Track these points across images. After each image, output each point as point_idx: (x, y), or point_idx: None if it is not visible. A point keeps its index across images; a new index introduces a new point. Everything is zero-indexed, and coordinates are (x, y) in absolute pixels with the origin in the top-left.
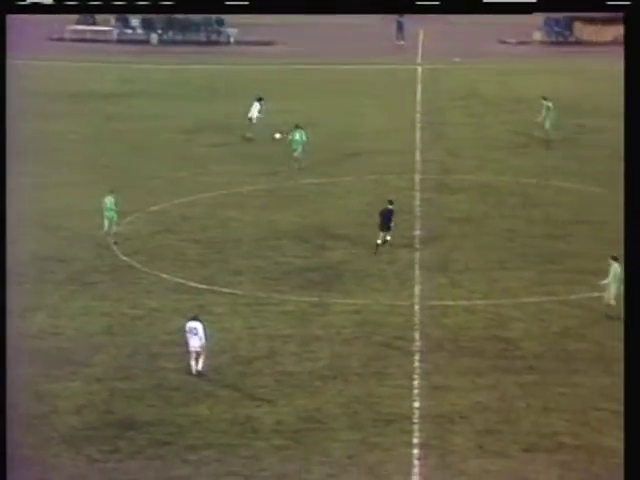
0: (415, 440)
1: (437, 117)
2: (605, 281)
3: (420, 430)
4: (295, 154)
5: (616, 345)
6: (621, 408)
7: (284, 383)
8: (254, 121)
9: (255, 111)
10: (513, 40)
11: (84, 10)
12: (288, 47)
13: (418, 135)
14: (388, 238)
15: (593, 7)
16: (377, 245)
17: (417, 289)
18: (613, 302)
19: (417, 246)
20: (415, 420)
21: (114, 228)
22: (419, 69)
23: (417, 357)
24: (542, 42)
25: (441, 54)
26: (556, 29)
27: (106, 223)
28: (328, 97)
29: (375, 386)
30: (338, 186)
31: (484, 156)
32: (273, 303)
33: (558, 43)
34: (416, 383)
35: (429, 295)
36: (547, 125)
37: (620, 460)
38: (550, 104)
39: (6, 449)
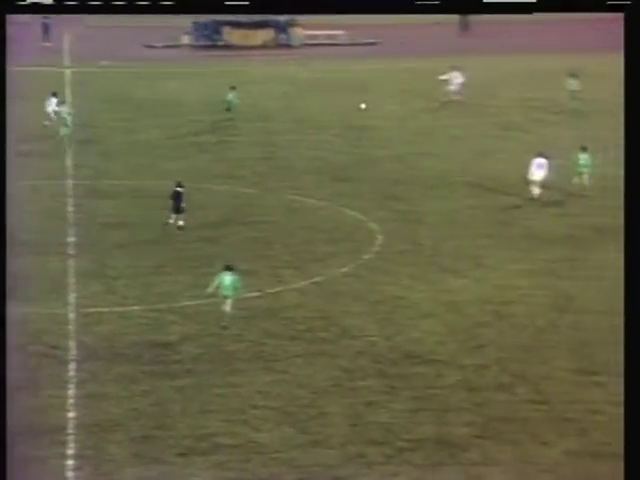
0: (70, 451)
1: (88, 120)
2: (209, 289)
3: (75, 441)
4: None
5: (271, 342)
6: (278, 404)
7: None
8: (53, 116)
9: (53, 105)
10: (159, 44)
11: (84, 10)
12: None
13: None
14: (181, 223)
15: (593, 7)
16: (165, 224)
17: (72, 297)
18: (227, 308)
19: (71, 252)
20: (70, 431)
21: None
22: (67, 72)
23: (72, 366)
24: (191, 46)
25: (89, 57)
26: (205, 33)
27: None
28: None
29: (29, 398)
30: None
31: (136, 160)
32: None
33: (208, 47)
34: (71, 392)
35: (84, 302)
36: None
37: (276, 455)
38: (232, 96)
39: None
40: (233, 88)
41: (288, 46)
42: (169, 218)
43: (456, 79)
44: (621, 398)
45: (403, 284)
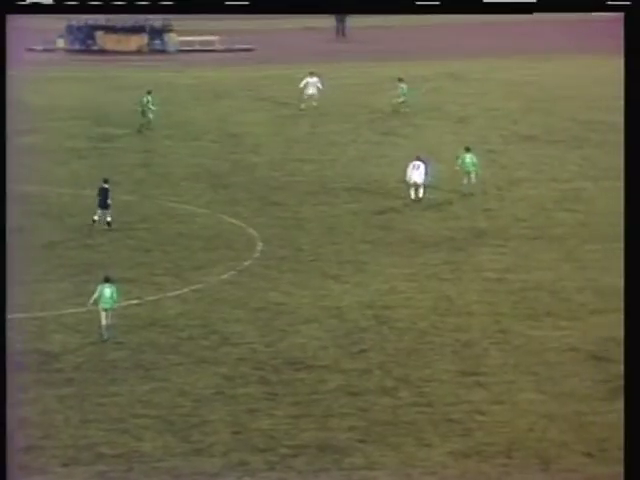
0: None
1: None
2: (91, 301)
3: None
4: None
5: (152, 350)
6: (160, 413)
7: None
8: None
9: None
10: (39, 47)
11: (84, 10)
12: None
13: None
14: (108, 219)
15: (593, 7)
16: (93, 221)
17: None
18: (107, 321)
19: None
20: None
21: None
22: None
23: None
24: (66, 50)
25: None
26: (79, 37)
27: None
28: None
29: None
30: None
31: (16, 165)
32: None
33: (82, 51)
34: None
35: None
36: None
37: (158, 464)
38: (147, 100)
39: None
40: (149, 92)
41: (163, 52)
42: (95, 214)
43: (313, 85)
44: (503, 397)
45: (284, 290)
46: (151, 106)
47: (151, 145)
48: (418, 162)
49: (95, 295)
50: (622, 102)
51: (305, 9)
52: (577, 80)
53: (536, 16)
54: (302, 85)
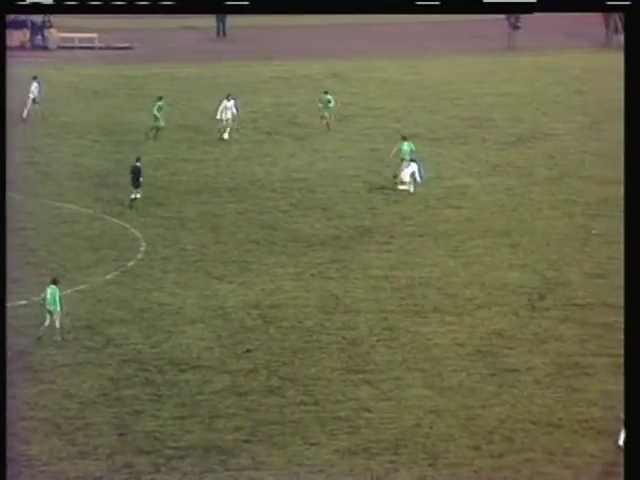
0: None
1: None
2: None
3: None
4: None
5: (39, 351)
6: (46, 415)
7: None
8: None
9: None
10: None
11: (84, 10)
12: None
13: None
14: (137, 195)
15: (593, 7)
16: (132, 200)
17: None
18: (57, 324)
19: None
20: None
21: None
22: None
23: None
24: None
25: None
26: None
27: None
28: None
29: None
30: None
31: None
32: None
33: None
34: None
35: None
36: None
37: (44, 467)
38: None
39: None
40: (160, 98)
41: (45, 48)
42: (131, 193)
43: (230, 108)
44: (390, 394)
45: (168, 291)
46: (156, 112)
47: (34, 143)
48: (412, 164)
49: (42, 295)
50: (502, 99)
51: (305, 9)
52: (458, 78)
53: (413, 17)
54: (220, 109)
